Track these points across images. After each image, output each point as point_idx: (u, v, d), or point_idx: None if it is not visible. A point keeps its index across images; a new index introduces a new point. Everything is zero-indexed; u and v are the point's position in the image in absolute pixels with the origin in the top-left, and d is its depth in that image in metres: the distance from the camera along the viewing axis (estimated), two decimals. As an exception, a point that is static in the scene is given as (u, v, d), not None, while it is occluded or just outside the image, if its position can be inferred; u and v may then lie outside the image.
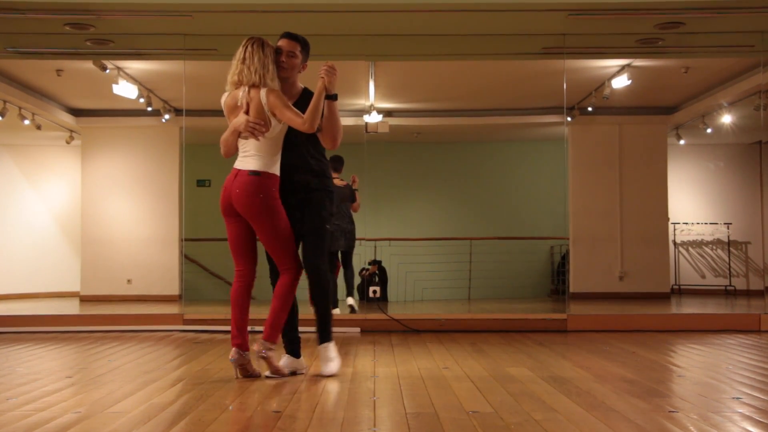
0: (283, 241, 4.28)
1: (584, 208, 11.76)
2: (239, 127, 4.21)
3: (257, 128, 4.17)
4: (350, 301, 8.50)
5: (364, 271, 11.14)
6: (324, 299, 4.45)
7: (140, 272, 11.51)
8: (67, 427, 3.03)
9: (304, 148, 4.37)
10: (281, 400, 3.63)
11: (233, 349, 4.24)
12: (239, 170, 4.23)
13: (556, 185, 12.18)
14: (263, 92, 4.18)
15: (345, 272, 8.72)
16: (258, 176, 4.18)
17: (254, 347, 4.23)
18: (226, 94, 4.33)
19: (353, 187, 8.60)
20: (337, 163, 8.51)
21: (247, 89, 4.21)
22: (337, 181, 8.37)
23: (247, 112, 4.20)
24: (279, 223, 4.24)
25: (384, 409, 3.41)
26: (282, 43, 4.35)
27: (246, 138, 4.23)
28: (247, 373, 4.29)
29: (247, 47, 4.21)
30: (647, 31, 7.33)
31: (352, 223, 8.63)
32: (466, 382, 4.17)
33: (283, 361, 4.43)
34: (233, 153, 4.33)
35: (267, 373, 4.32)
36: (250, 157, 4.22)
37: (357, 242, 8.90)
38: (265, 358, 4.25)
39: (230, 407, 3.46)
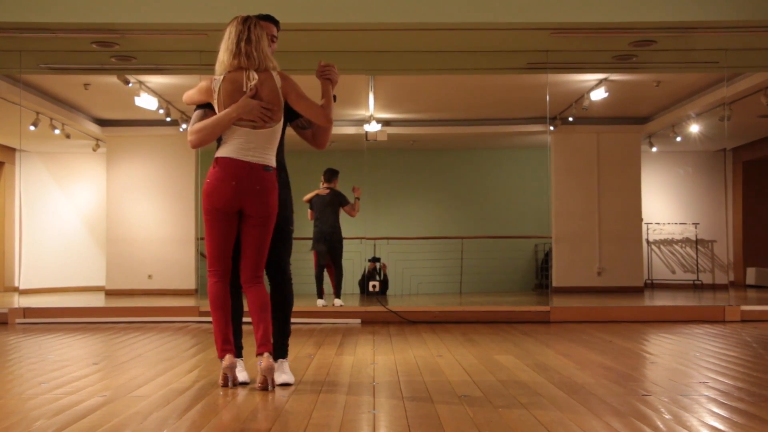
0: (269, 243, 3.61)
1: (565, 210, 11.76)
2: (248, 113, 3.44)
3: (268, 114, 3.49)
4: (337, 302, 8.06)
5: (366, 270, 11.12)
6: (287, 309, 3.71)
7: (160, 268, 11.51)
8: (94, 409, 3.03)
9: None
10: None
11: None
12: (251, 164, 3.47)
13: (540, 189, 12.18)
14: (276, 75, 3.53)
15: (335, 272, 8.40)
16: (271, 172, 3.53)
17: (265, 365, 3.45)
18: (219, 79, 3.50)
19: (355, 196, 8.42)
20: (331, 174, 8.47)
21: (253, 73, 3.50)
22: (322, 190, 8.42)
23: (252, 98, 3.48)
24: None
25: (383, 394, 3.41)
26: (264, 26, 3.63)
27: (252, 127, 3.48)
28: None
29: (249, 27, 3.50)
30: (622, 49, 7.34)
31: (333, 227, 8.36)
32: (457, 368, 4.17)
33: (245, 371, 3.66)
34: (210, 142, 3.59)
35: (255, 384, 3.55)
36: (254, 150, 3.48)
37: (358, 241, 8.86)
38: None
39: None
